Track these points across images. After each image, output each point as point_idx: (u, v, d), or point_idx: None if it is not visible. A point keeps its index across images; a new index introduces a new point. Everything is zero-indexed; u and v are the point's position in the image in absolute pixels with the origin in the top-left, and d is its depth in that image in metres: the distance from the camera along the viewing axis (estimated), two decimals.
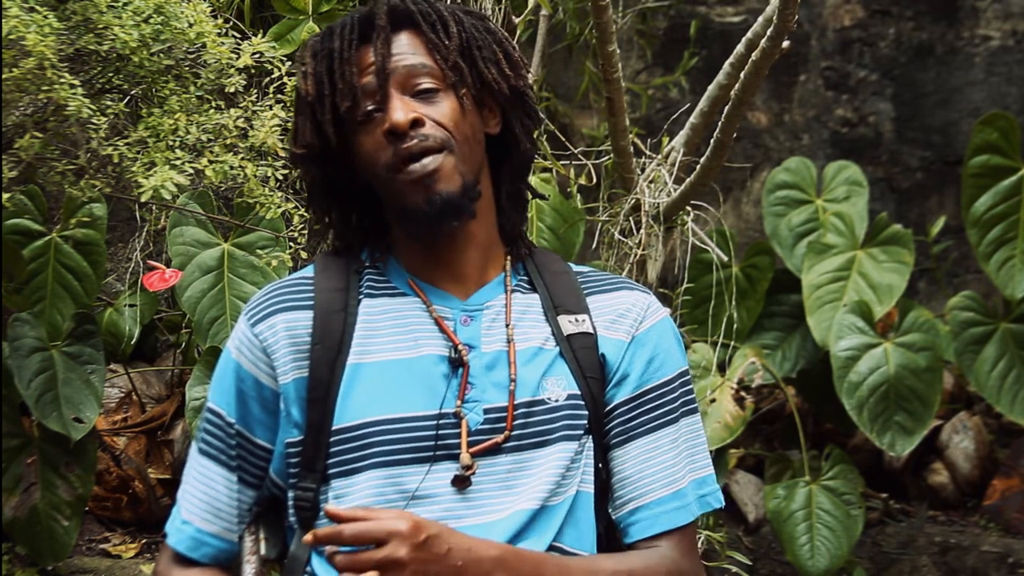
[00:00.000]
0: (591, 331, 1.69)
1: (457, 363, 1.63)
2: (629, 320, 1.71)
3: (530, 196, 1.79)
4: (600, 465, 1.68)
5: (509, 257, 1.73)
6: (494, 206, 1.72)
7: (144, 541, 3.26)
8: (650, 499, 1.67)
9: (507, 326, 1.67)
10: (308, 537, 1.45)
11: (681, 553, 1.67)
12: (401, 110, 1.60)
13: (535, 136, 1.75)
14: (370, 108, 1.63)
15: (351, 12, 1.69)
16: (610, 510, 1.70)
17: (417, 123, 1.60)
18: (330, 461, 1.61)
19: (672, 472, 1.68)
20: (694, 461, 1.71)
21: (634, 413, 1.68)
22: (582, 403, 1.66)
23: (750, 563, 3.31)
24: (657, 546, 1.66)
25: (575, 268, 1.78)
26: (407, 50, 1.64)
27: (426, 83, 1.63)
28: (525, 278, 1.74)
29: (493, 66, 1.67)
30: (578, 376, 1.66)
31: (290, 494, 1.65)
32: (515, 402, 1.63)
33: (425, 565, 1.46)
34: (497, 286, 1.71)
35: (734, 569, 3.16)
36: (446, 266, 1.68)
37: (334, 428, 1.61)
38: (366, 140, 1.63)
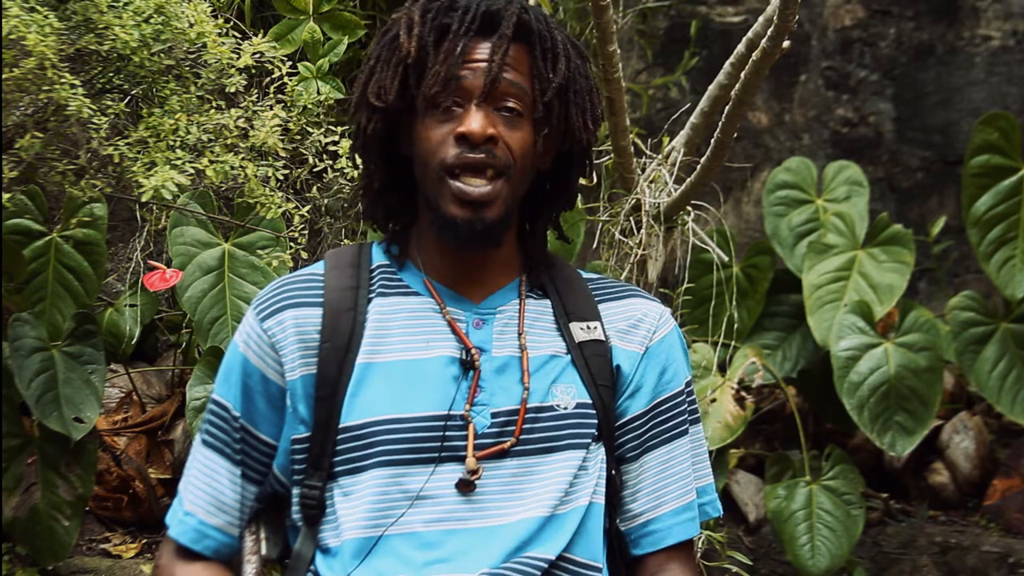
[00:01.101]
0: (603, 338, 1.69)
1: (468, 366, 1.63)
2: (642, 331, 1.71)
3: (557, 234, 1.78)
4: (613, 473, 1.68)
5: (525, 272, 1.73)
6: (519, 224, 1.71)
7: (144, 541, 3.26)
8: (664, 511, 1.68)
9: (520, 334, 1.67)
10: None
11: (690, 569, 1.69)
12: (480, 121, 1.58)
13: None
14: (454, 100, 1.61)
15: None
16: (618, 522, 1.70)
17: (492, 139, 1.59)
18: (336, 459, 1.62)
19: (685, 484, 1.70)
20: (698, 471, 1.73)
21: (648, 426, 1.69)
22: (592, 411, 1.66)
23: (750, 563, 3.31)
24: (670, 570, 1.68)
25: (585, 275, 1.77)
26: (512, 64, 1.62)
27: (514, 104, 1.61)
28: (537, 284, 1.73)
29: (581, 116, 1.66)
30: (589, 384, 1.66)
31: (295, 491, 1.65)
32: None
33: None
34: (510, 291, 1.70)
35: (734, 569, 3.16)
36: (464, 271, 1.68)
37: (341, 426, 1.61)
38: (435, 130, 1.61)
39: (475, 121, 1.58)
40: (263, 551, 1.71)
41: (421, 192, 1.66)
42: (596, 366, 1.67)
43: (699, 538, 3.03)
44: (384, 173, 1.69)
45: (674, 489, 1.69)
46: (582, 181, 3.13)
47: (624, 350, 1.70)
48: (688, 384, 1.73)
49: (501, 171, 1.60)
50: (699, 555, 3.04)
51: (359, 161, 1.72)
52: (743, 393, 3.44)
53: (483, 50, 1.60)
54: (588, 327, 1.69)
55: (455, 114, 1.60)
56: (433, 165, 1.61)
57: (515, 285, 1.71)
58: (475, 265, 1.68)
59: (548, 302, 1.71)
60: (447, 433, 1.61)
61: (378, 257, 1.72)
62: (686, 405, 1.72)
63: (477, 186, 1.58)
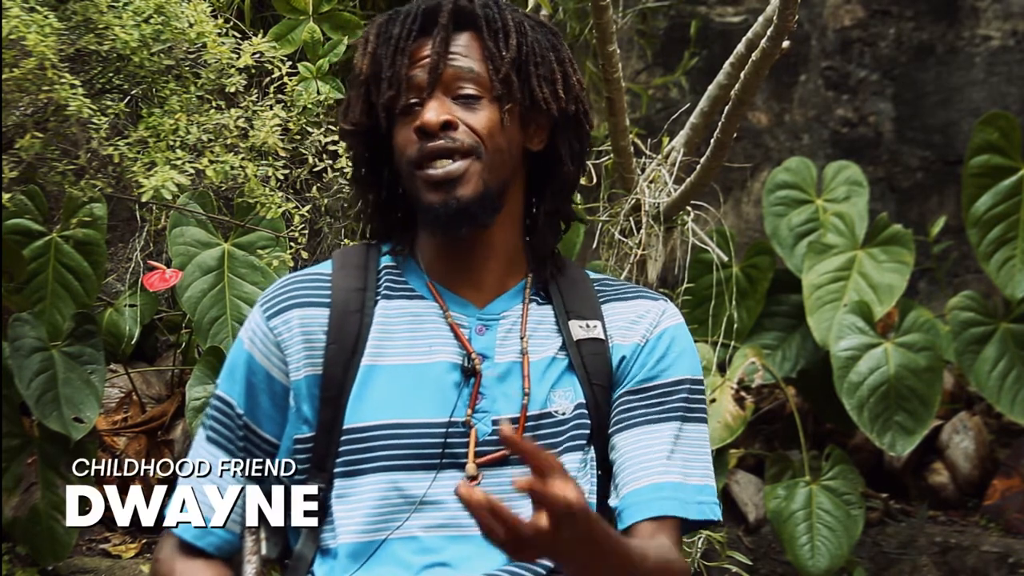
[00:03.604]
0: (602, 337, 1.67)
1: (470, 372, 1.62)
2: (644, 324, 1.69)
3: (565, 221, 1.75)
4: (600, 473, 1.66)
5: (532, 272, 1.71)
6: (522, 221, 1.70)
7: (144, 541, 3.26)
8: (643, 484, 1.63)
9: (522, 338, 1.66)
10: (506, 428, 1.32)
11: (676, 543, 1.64)
12: (435, 110, 1.60)
13: (582, 159, 1.72)
14: (412, 101, 1.62)
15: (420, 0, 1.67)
16: (609, 500, 1.69)
17: (449, 125, 1.60)
18: (337, 460, 1.61)
19: (667, 464, 1.64)
20: (692, 466, 1.67)
21: (634, 404, 1.66)
22: (587, 413, 1.64)
23: (750, 563, 3.31)
24: (656, 537, 1.62)
25: (593, 276, 1.76)
26: (462, 52, 1.63)
27: (469, 89, 1.62)
28: (543, 289, 1.71)
29: (547, 86, 1.65)
30: (584, 383, 1.65)
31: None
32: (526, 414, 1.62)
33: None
34: (515, 296, 1.69)
35: (734, 569, 3.16)
36: (465, 272, 1.67)
37: (344, 428, 1.61)
38: (401, 131, 1.63)
39: (428, 112, 1.60)
40: (263, 551, 1.71)
41: (409, 195, 1.67)
42: (593, 365, 1.66)
43: (699, 538, 3.03)
44: (377, 193, 1.71)
45: (655, 465, 1.63)
46: (582, 181, 3.12)
47: (624, 345, 1.68)
48: (693, 381, 1.68)
49: (467, 153, 1.60)
50: (699, 555, 3.04)
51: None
52: (743, 393, 3.44)
53: (429, 47, 1.63)
54: (588, 325, 1.68)
55: (417, 113, 1.62)
56: (404, 163, 1.63)
57: (520, 289, 1.70)
58: (474, 266, 1.67)
59: (550, 306, 1.70)
60: (448, 440, 1.60)
61: (385, 258, 1.72)
62: (683, 396, 1.67)
63: (442, 167, 1.60)
